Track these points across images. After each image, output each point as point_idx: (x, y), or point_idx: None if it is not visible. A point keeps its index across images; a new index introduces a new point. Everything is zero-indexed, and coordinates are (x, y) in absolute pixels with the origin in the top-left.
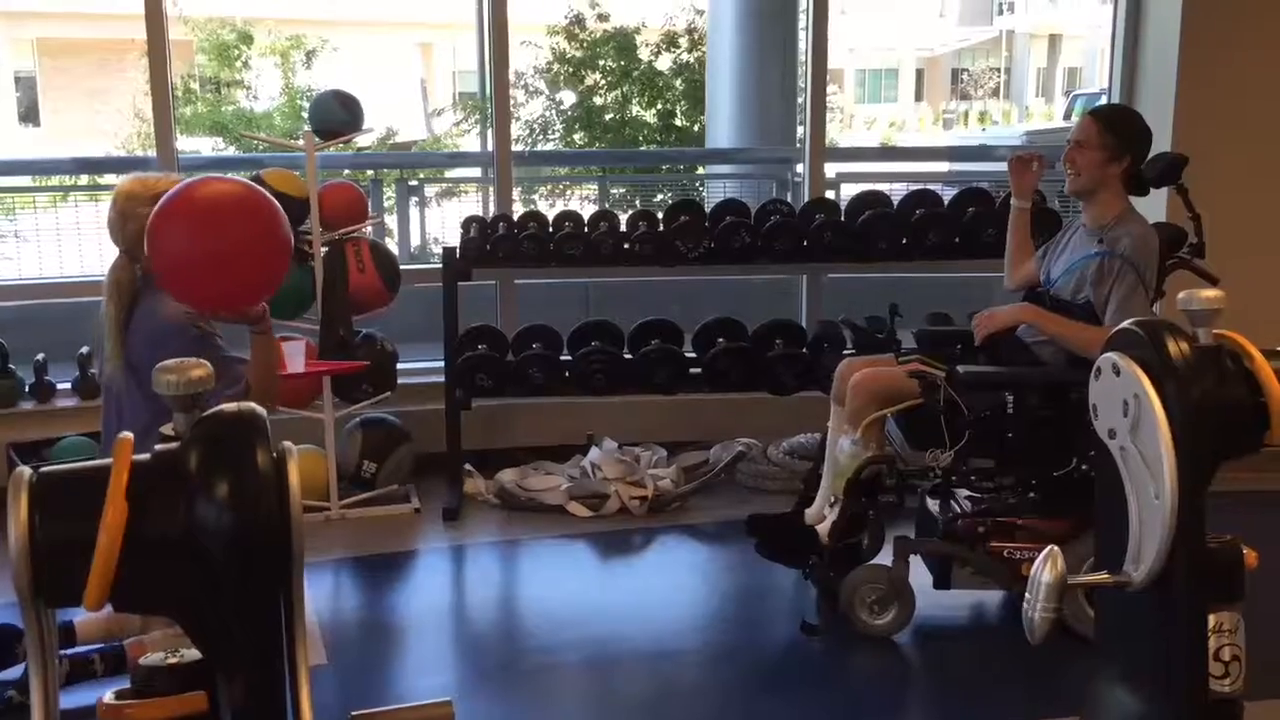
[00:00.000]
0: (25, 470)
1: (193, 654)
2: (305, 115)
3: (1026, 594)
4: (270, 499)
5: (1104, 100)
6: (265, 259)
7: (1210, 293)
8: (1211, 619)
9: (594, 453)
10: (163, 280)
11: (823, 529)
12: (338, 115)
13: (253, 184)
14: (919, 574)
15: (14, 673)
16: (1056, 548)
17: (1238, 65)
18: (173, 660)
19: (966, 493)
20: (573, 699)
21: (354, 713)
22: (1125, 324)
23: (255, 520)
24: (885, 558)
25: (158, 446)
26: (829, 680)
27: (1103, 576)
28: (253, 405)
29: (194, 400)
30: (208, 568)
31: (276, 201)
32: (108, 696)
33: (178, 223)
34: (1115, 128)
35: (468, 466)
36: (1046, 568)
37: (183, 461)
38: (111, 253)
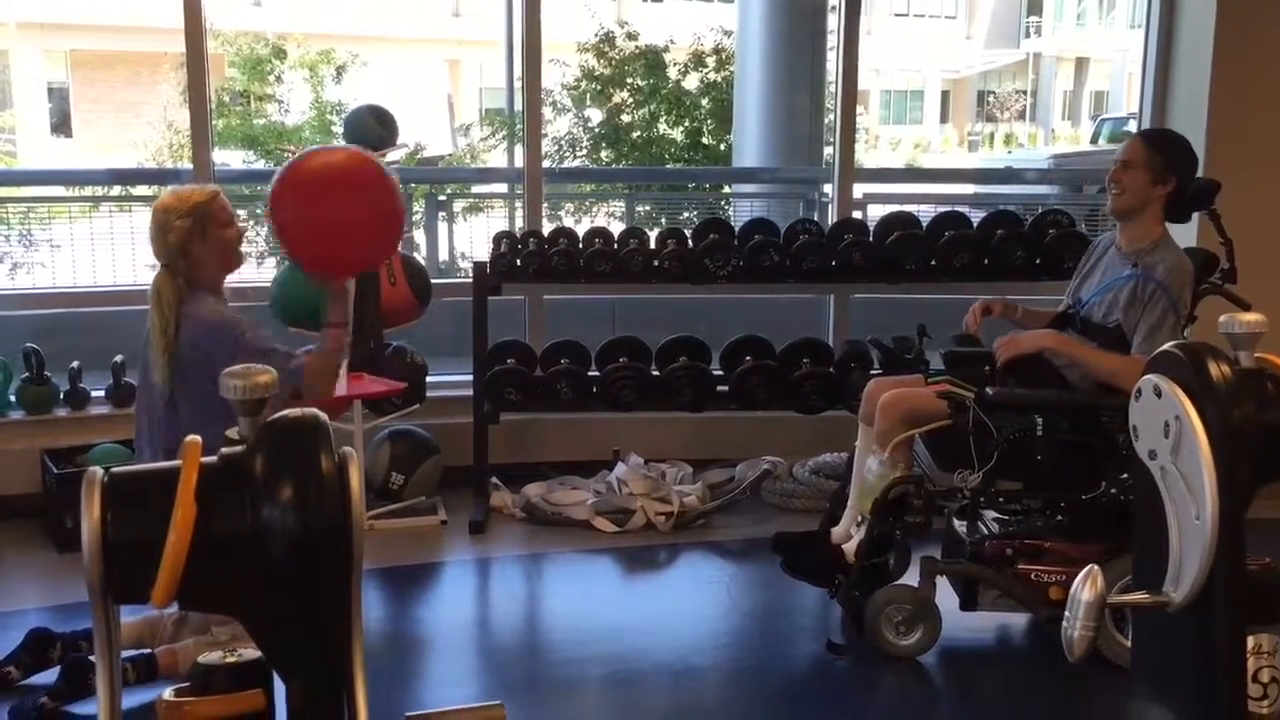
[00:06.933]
0: (97, 470)
1: (250, 653)
2: (334, 129)
3: (1066, 612)
4: (333, 502)
5: (1132, 124)
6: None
7: (1251, 316)
8: (1250, 641)
9: (620, 468)
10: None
11: (849, 548)
12: (373, 130)
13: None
14: (945, 595)
15: (44, 678)
16: (1096, 567)
17: (1270, 90)
18: (230, 659)
19: (994, 514)
20: (596, 713)
21: (409, 714)
22: (1166, 346)
23: (318, 523)
24: (912, 578)
25: (223, 450)
26: (854, 700)
27: (1142, 596)
28: (315, 411)
29: (259, 405)
30: (271, 568)
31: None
32: (167, 694)
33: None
34: (1163, 149)
35: (494, 480)
36: (1086, 586)
37: (248, 465)
38: (144, 261)
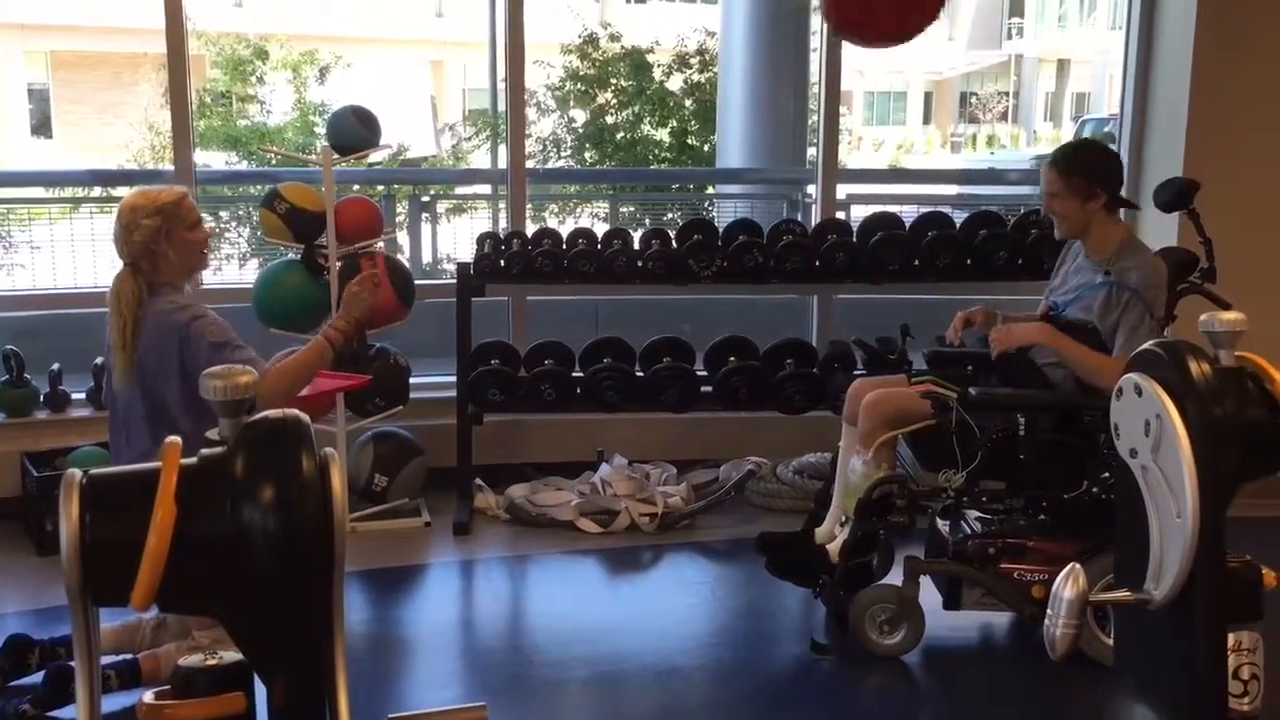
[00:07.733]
0: (76, 472)
1: (231, 655)
2: (318, 130)
3: (1048, 610)
4: (314, 503)
5: (1113, 125)
6: None
7: (1232, 315)
8: (1231, 638)
9: (604, 469)
10: None
11: (833, 548)
12: (356, 131)
13: None
14: (929, 595)
15: (29, 683)
16: (1079, 565)
17: (1250, 90)
18: (211, 662)
19: (977, 514)
20: (581, 715)
21: (391, 716)
22: (1147, 345)
23: (299, 524)
24: (895, 578)
25: (204, 451)
26: (838, 700)
27: (1124, 594)
28: (296, 412)
29: (239, 406)
30: (252, 570)
31: None
32: (148, 697)
33: None
34: (1077, 169)
35: (478, 481)
36: (1068, 584)
37: (229, 466)
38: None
